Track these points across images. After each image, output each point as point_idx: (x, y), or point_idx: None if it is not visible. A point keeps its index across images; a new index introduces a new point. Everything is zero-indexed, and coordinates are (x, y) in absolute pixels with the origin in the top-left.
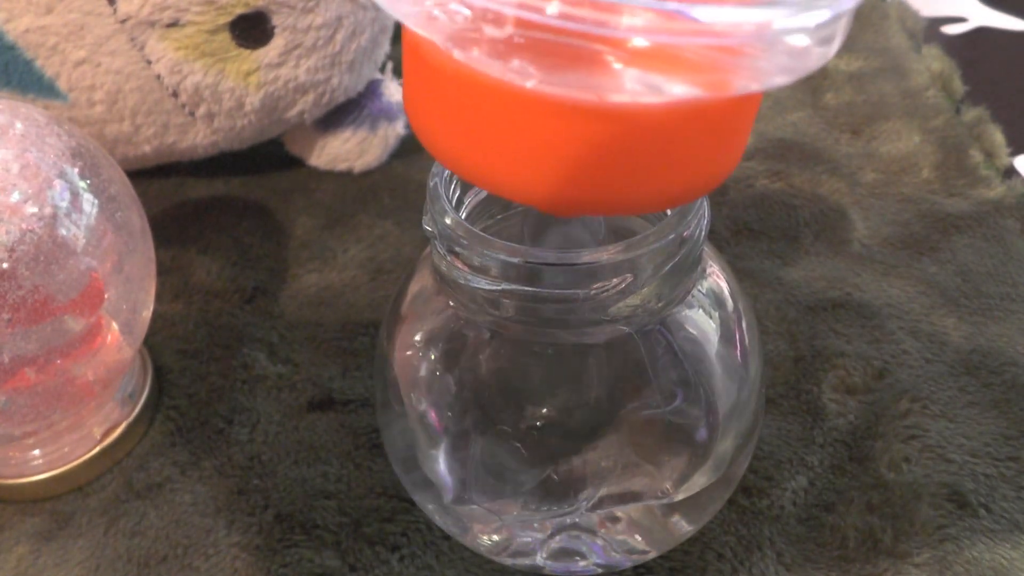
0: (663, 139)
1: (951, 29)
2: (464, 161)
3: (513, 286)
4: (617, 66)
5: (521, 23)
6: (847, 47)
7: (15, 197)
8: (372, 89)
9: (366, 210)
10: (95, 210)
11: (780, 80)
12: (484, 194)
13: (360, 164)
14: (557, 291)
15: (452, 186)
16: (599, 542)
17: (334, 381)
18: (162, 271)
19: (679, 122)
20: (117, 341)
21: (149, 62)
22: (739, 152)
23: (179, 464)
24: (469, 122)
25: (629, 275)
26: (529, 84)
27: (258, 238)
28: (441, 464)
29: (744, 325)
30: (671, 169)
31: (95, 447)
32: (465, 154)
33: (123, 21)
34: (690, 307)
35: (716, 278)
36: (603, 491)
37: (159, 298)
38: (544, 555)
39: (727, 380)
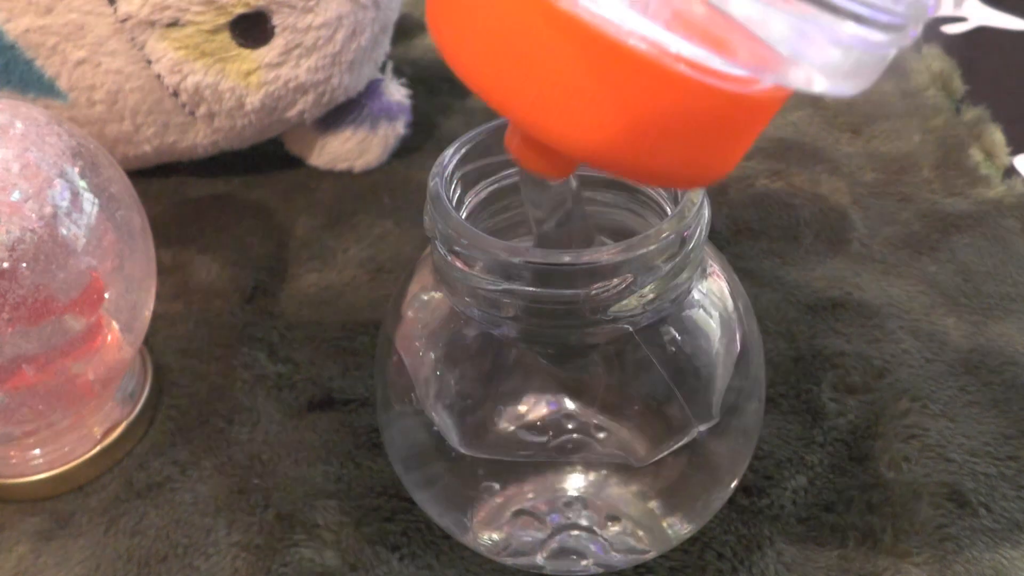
0: (746, 121)
1: (951, 29)
2: (502, 89)
3: (513, 286)
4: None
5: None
6: None
7: (15, 196)
8: (372, 89)
9: (366, 210)
10: (95, 209)
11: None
12: (485, 194)
13: (360, 164)
14: (558, 291)
15: (452, 186)
16: (599, 542)
17: (334, 381)
18: (162, 271)
19: (760, 108)
20: (117, 341)
21: (149, 62)
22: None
23: (179, 464)
24: (536, 54)
25: (629, 275)
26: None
27: (258, 238)
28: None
29: (744, 325)
30: (716, 150)
31: (95, 447)
32: (509, 83)
33: (123, 21)
34: (690, 307)
35: (716, 278)
36: (603, 491)
37: (159, 298)
38: (544, 555)
39: (727, 379)
